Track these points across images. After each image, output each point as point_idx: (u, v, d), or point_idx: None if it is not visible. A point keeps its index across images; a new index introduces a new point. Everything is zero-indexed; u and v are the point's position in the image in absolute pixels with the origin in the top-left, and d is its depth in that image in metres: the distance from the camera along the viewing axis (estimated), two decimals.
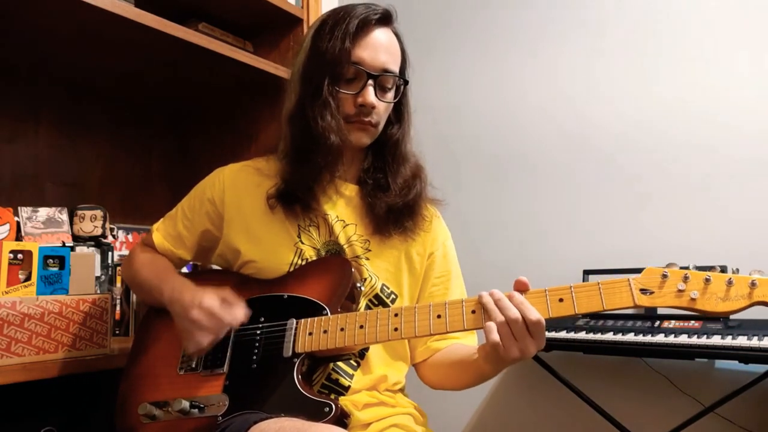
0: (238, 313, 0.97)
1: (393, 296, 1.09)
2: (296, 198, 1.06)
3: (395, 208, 1.08)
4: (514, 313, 0.84)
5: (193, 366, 1.01)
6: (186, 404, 0.94)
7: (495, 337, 0.85)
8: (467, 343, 1.12)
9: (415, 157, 1.14)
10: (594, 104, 2.11)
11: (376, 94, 1.04)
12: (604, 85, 2.10)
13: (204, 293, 0.98)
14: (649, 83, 2.02)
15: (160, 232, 1.18)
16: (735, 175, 1.86)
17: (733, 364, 1.71)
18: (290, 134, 1.07)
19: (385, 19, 1.07)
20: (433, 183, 1.17)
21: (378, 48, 1.04)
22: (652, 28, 2.03)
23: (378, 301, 1.07)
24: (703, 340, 1.50)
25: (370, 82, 1.03)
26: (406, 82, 1.11)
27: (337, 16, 1.05)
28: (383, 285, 1.08)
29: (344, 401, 1.00)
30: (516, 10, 2.29)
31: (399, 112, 1.12)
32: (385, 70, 1.05)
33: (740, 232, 1.84)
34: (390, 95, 1.08)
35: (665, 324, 1.70)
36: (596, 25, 2.13)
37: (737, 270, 0.78)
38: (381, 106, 1.06)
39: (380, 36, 1.05)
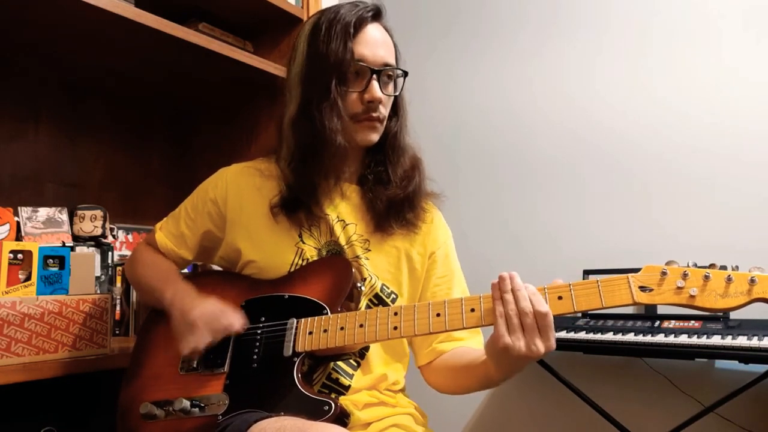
0: (235, 320, 0.99)
1: (393, 296, 1.09)
2: (300, 204, 1.06)
3: (396, 201, 1.08)
4: (527, 305, 0.83)
5: (194, 366, 1.01)
6: (187, 403, 0.95)
7: (503, 329, 0.83)
8: (474, 345, 1.10)
9: (413, 148, 1.14)
10: (594, 104, 2.12)
11: (382, 91, 1.05)
12: (605, 84, 2.10)
13: (205, 299, 1.01)
14: (650, 83, 2.02)
15: (162, 231, 1.18)
16: (735, 174, 1.87)
17: (733, 364, 1.71)
18: (294, 138, 1.06)
19: (377, 15, 1.08)
20: (435, 181, 1.17)
21: (375, 43, 1.05)
22: (656, 29, 2.03)
23: (378, 300, 1.07)
24: (703, 340, 1.50)
25: (374, 77, 1.04)
26: (406, 74, 1.11)
27: (329, 17, 1.05)
28: (383, 285, 1.08)
29: (344, 401, 1.00)
30: (518, 10, 2.29)
31: (396, 105, 1.13)
32: (386, 64, 1.06)
33: (740, 230, 1.84)
34: (391, 88, 1.09)
35: (665, 324, 1.70)
36: (599, 25, 2.13)
37: (737, 267, 0.78)
38: (386, 101, 1.07)
39: (375, 31, 1.06)
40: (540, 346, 0.83)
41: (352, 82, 1.04)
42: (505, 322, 0.84)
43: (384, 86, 1.06)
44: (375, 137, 1.07)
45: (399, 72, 1.09)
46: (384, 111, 1.07)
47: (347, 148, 1.04)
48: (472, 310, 0.88)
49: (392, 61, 1.08)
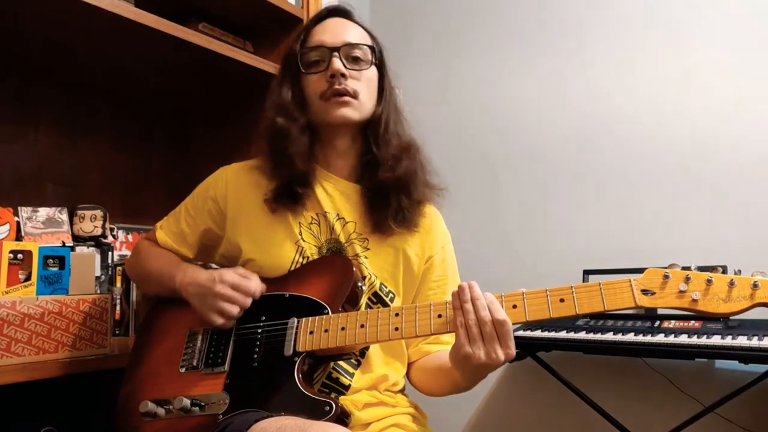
0: (257, 283, 1.01)
1: (391, 295, 1.09)
2: (291, 192, 1.07)
3: (388, 185, 1.07)
4: (486, 314, 0.84)
5: (195, 364, 1.01)
6: (187, 402, 0.94)
7: (463, 339, 0.85)
8: None
9: (407, 136, 1.14)
10: (594, 105, 2.11)
11: (344, 66, 1.06)
12: (605, 85, 2.10)
13: (221, 270, 1.02)
14: (651, 85, 2.02)
15: (163, 230, 1.18)
16: (738, 175, 1.86)
17: (733, 364, 1.71)
18: (265, 133, 1.11)
19: (337, 11, 1.13)
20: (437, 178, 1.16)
21: (334, 29, 1.10)
22: (655, 29, 2.03)
23: (377, 299, 1.08)
24: (703, 340, 1.50)
25: (335, 54, 1.06)
26: (373, 49, 1.12)
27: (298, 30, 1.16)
28: (381, 284, 1.08)
29: (344, 401, 1.01)
30: (520, 10, 2.29)
31: (379, 93, 1.14)
32: (347, 43, 1.08)
33: (743, 232, 1.84)
34: (363, 65, 1.10)
35: (665, 324, 1.70)
36: (599, 27, 2.13)
37: (739, 271, 0.78)
38: (355, 75, 1.08)
39: (336, 21, 1.12)
40: (500, 354, 0.84)
41: (315, 66, 1.09)
42: (465, 332, 0.85)
43: (351, 63, 1.08)
44: (348, 112, 1.07)
45: (366, 49, 1.10)
46: (353, 85, 1.07)
47: (317, 125, 1.09)
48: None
49: (358, 41, 1.10)
